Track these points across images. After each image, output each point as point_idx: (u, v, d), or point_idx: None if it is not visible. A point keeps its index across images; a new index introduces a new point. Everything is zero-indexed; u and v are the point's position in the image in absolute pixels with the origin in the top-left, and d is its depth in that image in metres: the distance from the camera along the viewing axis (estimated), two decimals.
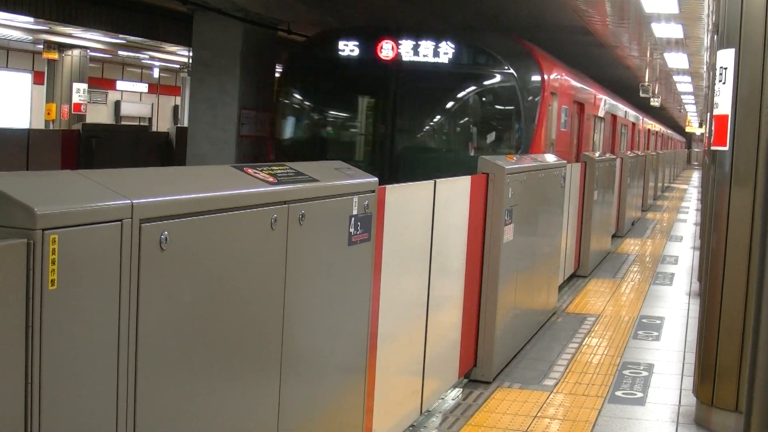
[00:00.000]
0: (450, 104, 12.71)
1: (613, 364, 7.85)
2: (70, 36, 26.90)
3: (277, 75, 15.43)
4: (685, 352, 8.41)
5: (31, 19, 21.56)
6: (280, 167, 3.88)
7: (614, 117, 21.22)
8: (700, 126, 48.15)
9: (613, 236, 17.17)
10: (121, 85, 41.45)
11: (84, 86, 30.78)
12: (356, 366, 4.51)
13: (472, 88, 12.52)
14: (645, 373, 7.59)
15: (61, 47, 29.40)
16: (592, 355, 8.19)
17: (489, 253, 7.16)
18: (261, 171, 3.65)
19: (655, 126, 37.54)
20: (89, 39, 27.52)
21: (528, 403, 6.67)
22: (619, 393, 7.00)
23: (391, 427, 5.39)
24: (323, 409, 4.18)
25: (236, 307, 3.27)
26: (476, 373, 7.20)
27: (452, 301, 6.58)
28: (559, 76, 13.60)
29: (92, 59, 32.98)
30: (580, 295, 11.32)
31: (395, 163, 12.28)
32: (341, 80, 13.03)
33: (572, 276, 12.55)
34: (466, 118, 12.89)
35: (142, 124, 40.87)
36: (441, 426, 6.08)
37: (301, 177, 3.87)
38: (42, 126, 30.38)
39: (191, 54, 15.30)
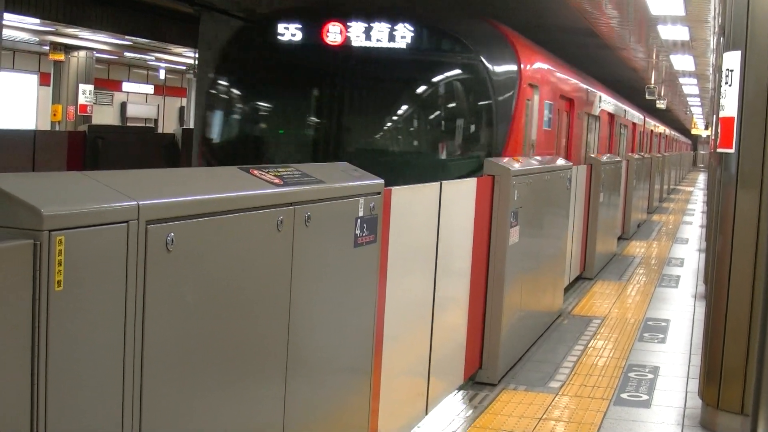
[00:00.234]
0: (407, 98, 10.51)
1: (619, 367, 7.84)
2: (76, 37, 26.95)
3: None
4: (690, 354, 8.40)
5: (38, 21, 21.60)
6: (286, 169, 3.88)
7: (612, 116, 19.10)
8: (706, 128, 48.13)
9: (619, 238, 17.16)
10: (127, 86, 41.50)
11: (90, 87, 30.83)
12: (362, 367, 4.51)
13: (434, 78, 10.36)
14: (650, 376, 7.58)
15: (67, 48, 29.45)
16: (598, 357, 8.18)
17: (494, 255, 7.16)
18: (267, 173, 3.65)
19: (659, 127, 35.20)
20: (95, 40, 27.56)
21: (533, 405, 6.66)
22: (624, 395, 7.00)
23: (396, 429, 5.39)
24: (329, 410, 4.18)
25: (242, 309, 3.27)
26: (481, 375, 7.20)
27: (458, 303, 6.57)
28: (541, 67, 11.70)
29: (98, 60, 33.04)
30: (585, 297, 11.31)
31: None
32: (280, 70, 10.96)
33: (578, 278, 12.54)
34: (426, 115, 10.74)
35: (148, 125, 40.91)
36: (446, 428, 6.08)
37: (307, 179, 3.87)
38: (48, 127, 30.43)
39: (197, 55, 15.30)
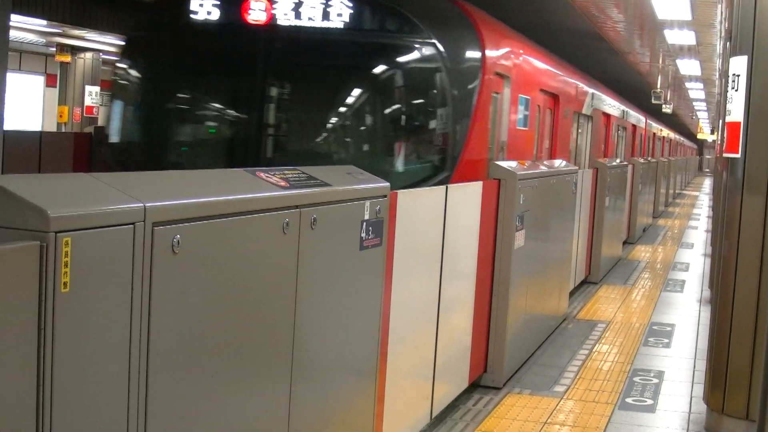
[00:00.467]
0: (342, 91, 8.29)
1: (624, 371, 7.84)
2: (82, 39, 26.98)
3: None
4: (695, 359, 8.38)
5: (44, 22, 21.64)
6: (292, 171, 3.88)
7: (607, 116, 17.24)
8: (712, 133, 48.09)
9: (624, 243, 17.15)
10: None
11: (96, 89, 30.86)
12: (367, 370, 4.51)
13: (375, 66, 8.20)
14: (655, 380, 7.57)
15: (74, 50, 29.48)
16: (603, 361, 8.17)
17: (500, 259, 7.16)
18: (273, 175, 3.65)
19: (663, 130, 33.48)
20: (102, 42, 27.60)
21: (538, 409, 6.66)
22: (629, 400, 6.99)
23: None
24: (334, 413, 4.18)
25: (248, 311, 3.28)
26: (486, 379, 7.19)
27: (463, 307, 6.57)
28: (513, 54, 9.61)
29: (105, 62, 33.08)
30: (590, 302, 11.30)
31: None
32: (194, 54, 8.74)
33: (583, 282, 12.54)
34: (365, 112, 8.47)
35: None
36: (451, 431, 6.08)
37: (313, 181, 3.87)
38: (54, 128, 30.46)
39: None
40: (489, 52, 8.55)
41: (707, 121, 49.24)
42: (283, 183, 3.60)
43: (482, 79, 8.28)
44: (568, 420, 6.45)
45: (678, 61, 20.26)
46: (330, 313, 4.01)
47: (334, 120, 8.35)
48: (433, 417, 5.99)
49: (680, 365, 8.16)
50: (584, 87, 14.43)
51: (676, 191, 35.43)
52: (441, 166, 7.77)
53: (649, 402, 6.96)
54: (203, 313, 2.97)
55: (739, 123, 5.97)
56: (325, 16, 8.02)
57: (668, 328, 9.78)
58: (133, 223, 2.59)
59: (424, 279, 5.67)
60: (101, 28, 20.46)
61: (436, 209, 5.75)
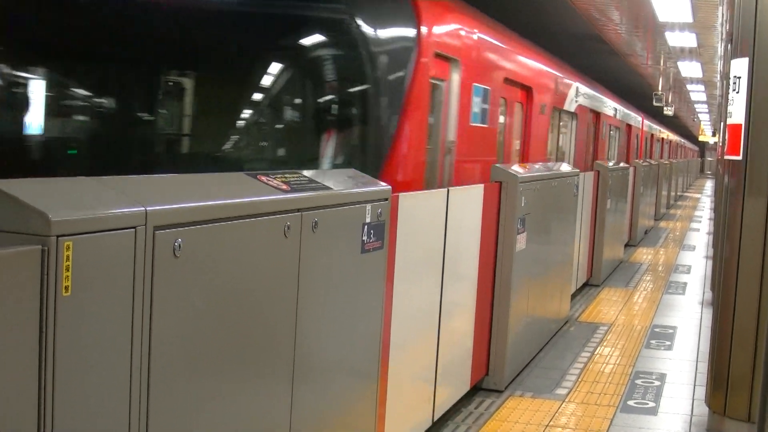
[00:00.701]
0: (232, 74, 6.08)
1: (626, 374, 7.83)
2: None
3: None
4: (697, 361, 8.38)
5: None
6: (294, 175, 3.88)
7: (597, 114, 15.43)
8: (714, 135, 48.10)
9: (626, 245, 17.15)
10: None
11: None
12: (368, 373, 4.51)
13: (278, 43, 6.07)
14: (657, 383, 7.57)
15: None
16: (605, 364, 8.17)
17: (502, 262, 7.16)
18: (274, 178, 3.65)
19: (662, 131, 31.23)
20: None
21: (540, 412, 6.65)
22: (631, 402, 6.99)
23: None
24: (335, 416, 4.18)
25: (249, 315, 3.28)
26: (488, 382, 7.19)
27: (465, 309, 6.57)
28: (466, 33, 7.62)
29: None
30: (592, 304, 11.29)
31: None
32: (45, 27, 5.97)
33: (585, 285, 12.54)
34: (264, 103, 6.12)
35: None
36: None
37: (314, 185, 3.88)
38: None
39: None
40: (428, 29, 6.66)
41: (709, 123, 49.26)
42: (284, 186, 3.60)
43: (417, 61, 6.38)
44: (570, 423, 6.45)
45: (679, 63, 20.27)
46: (331, 316, 4.01)
47: (220, 114, 6.03)
48: (434, 420, 5.99)
49: (682, 367, 8.16)
50: (566, 80, 12.39)
51: (678, 193, 35.43)
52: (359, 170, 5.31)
53: (651, 404, 6.96)
54: (205, 316, 2.98)
55: (741, 125, 5.97)
56: None
57: (670, 331, 9.78)
58: (134, 227, 2.59)
59: (425, 282, 5.67)
60: None
61: (438, 212, 5.75)
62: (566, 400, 7.00)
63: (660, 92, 22.83)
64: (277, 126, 6.20)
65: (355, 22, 6.10)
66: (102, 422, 2.54)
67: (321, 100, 6.26)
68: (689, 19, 13.62)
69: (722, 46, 14.99)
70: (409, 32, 6.48)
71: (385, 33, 6.47)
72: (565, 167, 9.89)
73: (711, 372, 6.36)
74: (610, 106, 16.95)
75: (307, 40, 6.07)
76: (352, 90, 6.22)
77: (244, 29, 5.92)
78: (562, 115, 12.48)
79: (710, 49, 17.26)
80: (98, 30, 5.78)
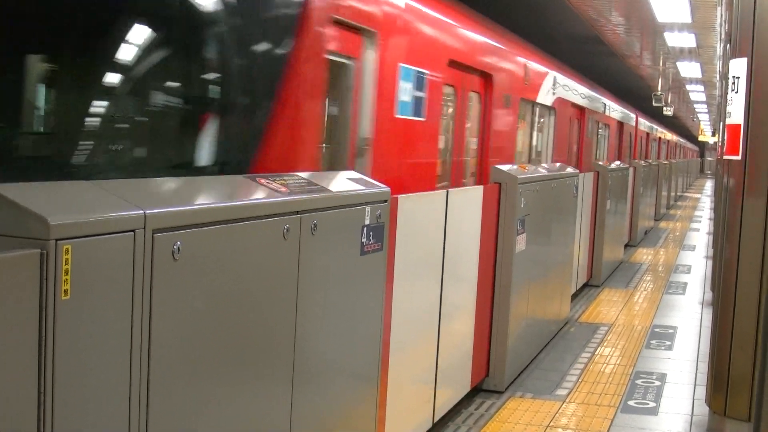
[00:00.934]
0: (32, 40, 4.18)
1: (626, 374, 7.83)
2: None
3: None
4: (697, 361, 8.38)
5: None
6: (292, 177, 3.89)
7: (581, 110, 13.37)
8: (713, 135, 48.10)
9: (626, 245, 17.15)
10: None
11: None
12: (368, 375, 4.51)
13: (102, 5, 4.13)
14: (658, 383, 7.57)
15: None
16: (605, 364, 8.17)
17: (501, 263, 7.16)
18: (273, 181, 3.66)
19: (659, 129, 28.84)
20: None
21: (540, 413, 6.66)
22: (631, 403, 6.99)
23: None
24: (335, 417, 4.18)
25: (249, 317, 3.28)
26: (488, 383, 7.19)
27: (464, 311, 6.57)
28: None
29: None
30: (592, 305, 11.29)
31: None
32: None
33: (585, 285, 12.53)
34: (89, 81, 4.02)
35: None
36: None
37: (313, 187, 3.88)
38: None
39: None
40: None
41: (708, 123, 49.26)
42: (283, 189, 3.60)
43: (303, 31, 4.57)
44: (571, 423, 6.45)
45: (678, 64, 20.28)
46: (331, 319, 4.01)
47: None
48: (435, 421, 5.99)
49: (682, 368, 8.16)
50: (541, 67, 10.24)
51: (678, 194, 35.43)
52: (208, 167, 4.04)
53: (652, 405, 6.96)
54: (204, 319, 2.98)
55: (740, 125, 5.97)
56: None
57: (670, 331, 9.78)
58: (133, 230, 2.59)
59: (425, 283, 5.67)
60: None
61: (437, 214, 5.75)
62: (567, 400, 7.00)
63: (659, 92, 22.82)
64: (122, 100, 4.11)
65: None
66: (102, 425, 2.54)
67: (166, 70, 4.28)
68: (688, 19, 13.62)
69: (721, 47, 14.99)
70: None
71: None
72: (565, 168, 9.89)
73: (711, 372, 6.36)
74: (598, 100, 14.92)
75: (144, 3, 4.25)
76: (205, 59, 4.30)
77: None
78: (536, 109, 10.40)
79: (709, 50, 17.26)
80: None
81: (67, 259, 2.33)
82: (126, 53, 4.05)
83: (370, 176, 5.23)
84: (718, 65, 18.09)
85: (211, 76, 4.30)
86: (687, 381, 7.69)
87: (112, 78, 4.07)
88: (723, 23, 12.99)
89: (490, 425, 6.34)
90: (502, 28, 9.24)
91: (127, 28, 4.07)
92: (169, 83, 4.31)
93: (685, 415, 6.75)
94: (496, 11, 10.58)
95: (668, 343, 9.18)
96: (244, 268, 3.22)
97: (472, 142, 7.77)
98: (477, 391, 7.07)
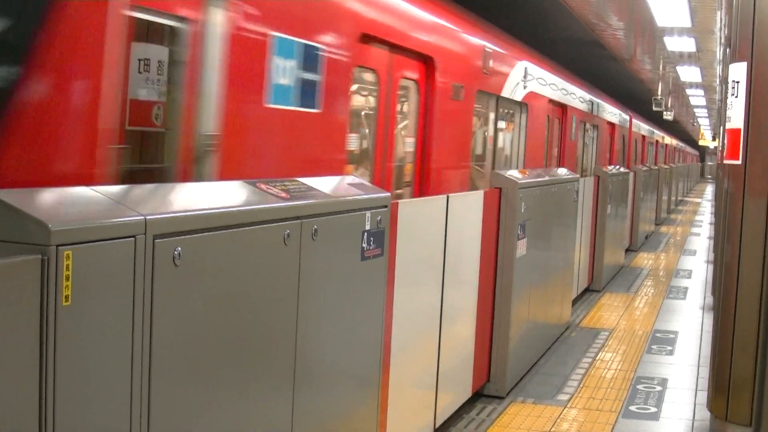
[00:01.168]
0: None
1: (627, 379, 7.83)
2: None
3: None
4: (699, 366, 8.37)
5: None
6: (293, 183, 3.89)
7: (563, 107, 11.44)
8: (714, 139, 48.10)
9: (627, 250, 17.14)
10: None
11: None
12: (370, 379, 4.51)
13: None
14: (659, 388, 7.56)
15: None
16: (606, 369, 8.17)
17: (502, 268, 7.16)
18: (274, 186, 3.66)
19: (656, 132, 26.94)
20: None
21: (541, 418, 6.65)
22: (633, 408, 6.98)
23: None
24: (336, 422, 4.18)
25: (250, 322, 3.28)
26: (490, 388, 7.19)
27: (465, 316, 6.57)
28: None
29: None
30: (593, 310, 11.29)
31: None
32: None
33: (586, 290, 12.53)
34: None
35: None
36: None
37: (313, 192, 3.87)
38: None
39: None
40: None
41: (709, 127, 49.26)
42: (283, 194, 3.61)
43: None
44: (572, 429, 6.45)
45: (678, 68, 20.28)
46: (332, 324, 4.01)
47: None
48: (436, 427, 5.98)
49: (684, 372, 8.15)
50: (507, 54, 8.36)
51: (678, 198, 35.43)
52: None
53: (653, 410, 6.95)
54: (205, 324, 2.98)
55: (740, 129, 5.97)
56: None
57: (671, 336, 9.77)
58: (134, 236, 2.59)
59: (426, 288, 5.67)
60: None
61: (438, 219, 5.75)
62: (568, 406, 6.99)
63: (659, 97, 22.82)
64: None
65: None
66: (103, 430, 2.54)
67: None
68: (688, 23, 13.62)
69: (721, 51, 15.00)
70: None
71: None
72: (564, 173, 9.89)
73: (712, 376, 6.36)
74: (583, 98, 13.20)
75: None
76: None
77: None
78: (501, 105, 8.59)
79: (709, 54, 17.26)
80: None
81: (68, 265, 2.33)
82: None
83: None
84: (718, 69, 18.10)
85: None
86: (688, 386, 7.69)
87: None
88: (723, 27, 13.00)
89: (492, 430, 6.34)
90: (454, 4, 7.37)
91: None
92: None
93: (687, 420, 6.74)
94: (495, 15, 10.54)
95: (669, 347, 9.18)
96: (245, 273, 3.22)
97: (408, 144, 6.17)
98: (478, 396, 7.07)
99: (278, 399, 3.57)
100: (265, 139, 4.07)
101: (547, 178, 8.52)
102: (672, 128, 41.68)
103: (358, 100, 5.49)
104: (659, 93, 22.91)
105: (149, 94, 3.57)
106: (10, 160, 2.61)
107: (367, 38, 5.16)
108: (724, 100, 9.01)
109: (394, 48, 5.65)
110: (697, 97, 29.55)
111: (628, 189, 15.75)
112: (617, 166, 15.72)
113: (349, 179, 4.57)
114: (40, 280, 2.27)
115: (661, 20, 13.58)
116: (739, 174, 6.01)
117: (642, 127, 22.03)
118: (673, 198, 30.76)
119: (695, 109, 36.91)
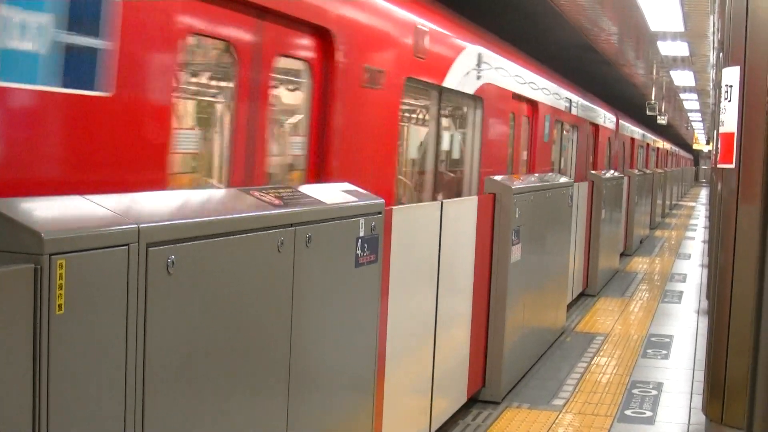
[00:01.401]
0: None
1: (622, 383, 7.83)
2: None
3: None
4: (694, 370, 8.38)
5: None
6: (286, 189, 3.88)
7: (533, 105, 9.84)
8: (708, 143, 48.16)
9: (622, 255, 17.15)
10: None
11: None
12: (365, 386, 4.51)
13: None
14: (654, 392, 7.57)
15: None
16: (601, 374, 8.17)
17: (497, 273, 7.16)
18: (267, 193, 3.65)
19: (647, 135, 25.53)
20: None
21: (537, 423, 6.65)
22: (628, 412, 6.98)
23: None
24: (331, 430, 4.17)
25: (244, 330, 3.27)
26: (485, 394, 7.19)
27: (460, 321, 6.57)
28: None
29: None
30: (588, 314, 11.29)
31: None
32: None
33: (581, 295, 12.53)
34: None
35: None
36: None
37: (307, 199, 3.87)
38: None
39: None
40: None
41: (703, 131, 49.34)
42: (277, 201, 3.60)
43: None
44: None
45: (672, 73, 20.31)
46: (326, 331, 4.01)
47: None
48: None
49: (679, 376, 8.16)
50: (448, 36, 6.70)
51: (673, 202, 35.47)
52: None
53: (649, 414, 6.95)
54: (199, 333, 2.97)
55: (733, 134, 5.97)
56: None
57: (666, 340, 9.77)
58: (127, 245, 2.59)
59: (420, 294, 5.67)
60: None
61: (432, 224, 5.75)
62: (563, 410, 6.99)
63: (653, 101, 22.86)
64: None
65: None
66: None
67: None
68: (681, 28, 13.65)
69: (714, 55, 15.02)
70: None
71: None
72: (560, 178, 9.89)
73: (707, 380, 6.36)
74: (559, 94, 11.64)
75: None
76: None
77: None
78: (444, 99, 6.94)
79: (702, 58, 17.30)
80: None
81: (61, 274, 2.33)
82: None
83: None
84: (712, 73, 18.13)
85: None
86: (683, 389, 7.69)
87: None
88: (716, 32, 13.02)
89: None
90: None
91: None
92: None
93: (682, 423, 6.75)
94: (488, 19, 10.53)
95: (664, 352, 9.18)
96: (239, 281, 3.22)
97: (293, 144, 4.73)
98: (473, 401, 7.06)
99: (273, 407, 3.56)
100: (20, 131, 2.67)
101: (541, 183, 8.52)
102: (666, 132, 41.74)
103: (199, 84, 4.09)
104: (653, 97, 22.96)
105: None
106: None
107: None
108: (717, 104, 9.03)
109: (264, 12, 4.04)
110: (690, 101, 29.60)
111: (622, 193, 15.76)
112: (607, 171, 14.76)
113: (343, 186, 4.57)
114: (33, 289, 2.27)
115: (654, 25, 13.61)
116: (732, 178, 6.02)
117: (630, 128, 20.63)
118: (667, 202, 30.79)
119: (689, 113, 36.97)
